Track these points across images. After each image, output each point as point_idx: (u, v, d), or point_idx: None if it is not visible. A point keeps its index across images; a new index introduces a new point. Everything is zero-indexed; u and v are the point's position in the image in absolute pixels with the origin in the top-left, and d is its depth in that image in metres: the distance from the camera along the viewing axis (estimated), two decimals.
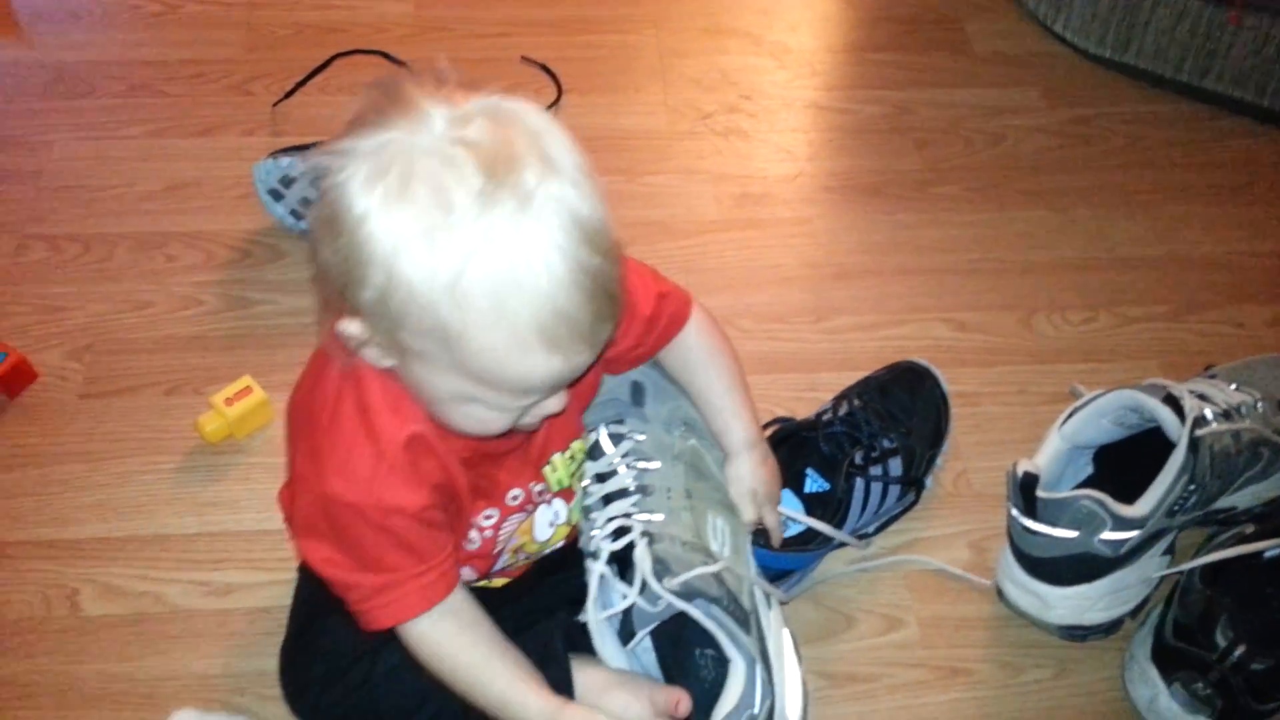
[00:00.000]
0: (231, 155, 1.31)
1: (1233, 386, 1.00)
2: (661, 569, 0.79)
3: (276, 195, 1.20)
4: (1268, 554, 0.92)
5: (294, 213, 1.21)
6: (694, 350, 0.88)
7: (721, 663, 0.81)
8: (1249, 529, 0.96)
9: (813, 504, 0.98)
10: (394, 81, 0.61)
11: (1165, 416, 0.91)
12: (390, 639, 0.77)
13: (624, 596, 0.80)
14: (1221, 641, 0.86)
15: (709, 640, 0.82)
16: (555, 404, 0.69)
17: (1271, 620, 0.88)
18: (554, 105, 1.39)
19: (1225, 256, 1.29)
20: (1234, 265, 1.28)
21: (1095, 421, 0.96)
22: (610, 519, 0.84)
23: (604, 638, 0.81)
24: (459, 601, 0.77)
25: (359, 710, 0.83)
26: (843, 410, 1.02)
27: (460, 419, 0.68)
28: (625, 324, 0.71)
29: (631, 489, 0.84)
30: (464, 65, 1.42)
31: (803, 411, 1.05)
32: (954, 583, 1.00)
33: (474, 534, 0.79)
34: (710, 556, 0.82)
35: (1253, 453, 0.95)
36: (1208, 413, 0.92)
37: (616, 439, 0.87)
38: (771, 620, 0.86)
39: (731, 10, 1.57)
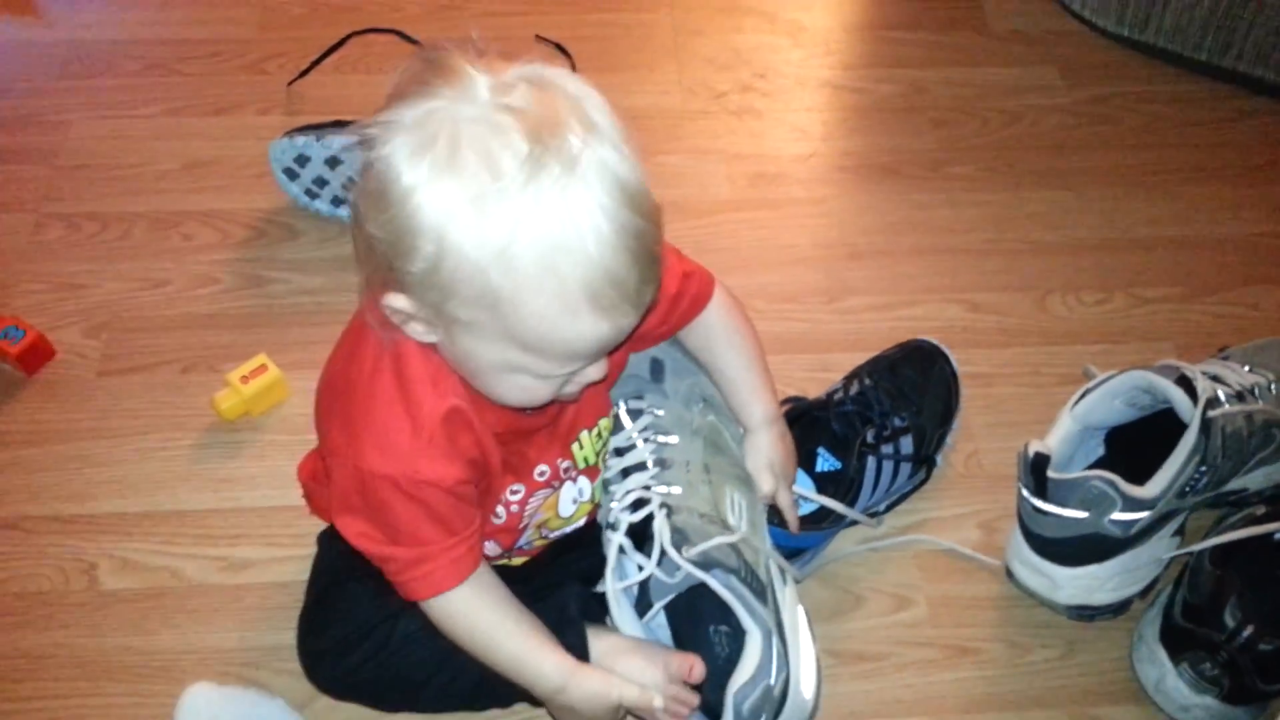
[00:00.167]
0: (247, 134, 1.32)
1: (1246, 368, 0.99)
2: (680, 539, 0.80)
3: (291, 174, 1.21)
4: (1278, 535, 0.92)
5: (308, 191, 1.22)
6: (715, 328, 0.89)
7: (735, 639, 0.82)
8: (1260, 510, 0.95)
9: (824, 483, 0.98)
10: (437, 52, 0.61)
11: (1178, 398, 0.91)
12: (406, 606, 0.78)
13: (641, 568, 0.80)
14: (1230, 622, 0.86)
15: (723, 617, 0.82)
16: (597, 371, 0.69)
17: None
18: None
19: (1242, 237, 1.28)
20: (1251, 246, 1.27)
21: (1107, 402, 0.95)
22: (629, 491, 0.84)
23: (621, 608, 0.82)
24: (482, 571, 0.77)
25: (375, 677, 0.84)
26: (854, 389, 1.02)
27: (506, 389, 0.68)
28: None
29: (650, 463, 0.85)
30: (479, 44, 1.42)
31: (815, 391, 1.05)
32: (963, 563, 1.01)
33: (500, 509, 0.80)
34: (728, 528, 0.83)
35: (1265, 434, 0.95)
36: (1220, 394, 0.92)
37: (635, 414, 0.88)
38: (786, 596, 0.86)
39: None
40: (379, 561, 0.75)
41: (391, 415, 0.69)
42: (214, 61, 1.42)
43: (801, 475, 0.98)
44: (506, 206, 0.58)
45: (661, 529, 0.81)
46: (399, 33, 1.44)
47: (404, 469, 0.69)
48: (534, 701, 0.83)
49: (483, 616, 0.77)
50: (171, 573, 0.98)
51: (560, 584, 0.87)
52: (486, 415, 0.72)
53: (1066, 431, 0.95)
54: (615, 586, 0.82)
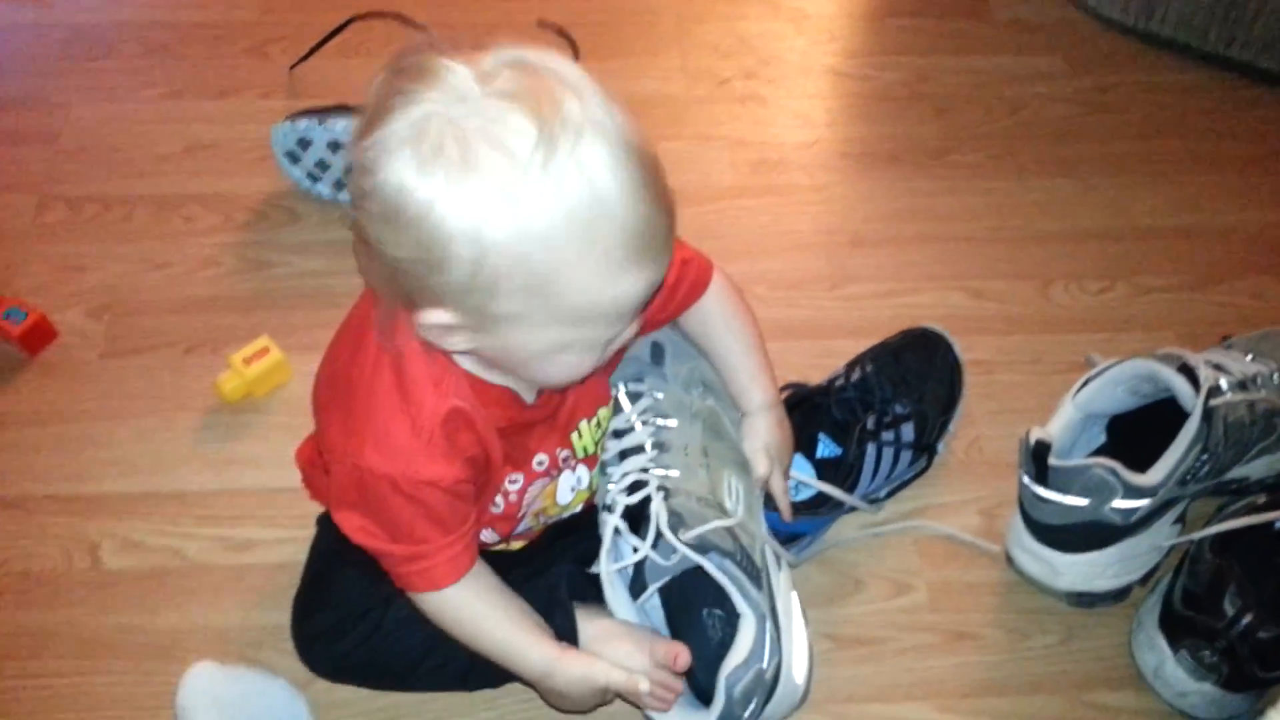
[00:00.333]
0: (249, 118, 1.32)
1: (1249, 357, 0.99)
2: (676, 522, 0.80)
3: (293, 158, 1.21)
4: (1278, 524, 0.92)
5: (310, 175, 1.22)
6: (714, 314, 0.89)
7: (729, 622, 0.82)
8: (1261, 499, 0.96)
9: (824, 469, 0.99)
10: (406, 59, 0.60)
11: (1180, 386, 0.91)
12: (398, 592, 0.78)
13: (635, 550, 0.81)
14: (1229, 610, 0.86)
15: (717, 600, 0.83)
16: (632, 330, 0.69)
17: None
18: None
19: (1246, 227, 1.28)
20: (1254, 236, 1.27)
21: (1109, 390, 0.95)
22: (626, 474, 0.84)
23: (615, 590, 0.83)
24: (476, 567, 0.78)
25: (368, 661, 0.85)
26: (855, 376, 1.02)
27: (555, 370, 0.68)
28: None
29: (649, 445, 0.85)
30: (481, 29, 1.42)
31: (817, 378, 1.05)
32: (963, 549, 1.01)
33: (499, 498, 0.80)
34: (725, 513, 0.83)
35: (1267, 423, 0.95)
36: (1223, 383, 0.92)
37: (635, 396, 0.88)
38: (781, 581, 0.86)
39: None
40: (377, 555, 0.75)
41: (392, 416, 0.69)
42: (216, 44, 1.41)
43: (802, 460, 0.98)
44: (534, 190, 0.57)
45: (659, 511, 0.81)
46: (401, 16, 1.43)
47: (403, 469, 0.69)
48: (525, 681, 0.84)
49: (473, 608, 0.78)
50: (174, 553, 0.98)
51: (555, 564, 0.88)
52: (491, 411, 0.72)
53: (1068, 419, 0.95)
54: (610, 568, 0.83)
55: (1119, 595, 0.95)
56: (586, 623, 0.82)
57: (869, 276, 1.21)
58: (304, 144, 1.19)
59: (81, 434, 1.05)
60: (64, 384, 1.09)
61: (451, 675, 0.86)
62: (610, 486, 0.85)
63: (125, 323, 1.13)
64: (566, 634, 0.81)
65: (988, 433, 1.08)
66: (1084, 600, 0.95)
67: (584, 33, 1.43)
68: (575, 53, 1.40)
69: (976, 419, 1.09)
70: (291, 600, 0.89)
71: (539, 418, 0.78)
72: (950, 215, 1.28)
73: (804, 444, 0.98)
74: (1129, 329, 1.18)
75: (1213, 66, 1.43)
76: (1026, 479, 0.91)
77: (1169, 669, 0.89)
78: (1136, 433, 0.97)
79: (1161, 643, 0.90)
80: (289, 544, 0.98)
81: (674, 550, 0.79)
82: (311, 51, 1.38)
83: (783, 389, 1.02)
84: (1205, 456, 0.91)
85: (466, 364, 0.71)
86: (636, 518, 0.82)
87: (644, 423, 0.86)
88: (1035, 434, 0.91)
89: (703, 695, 0.82)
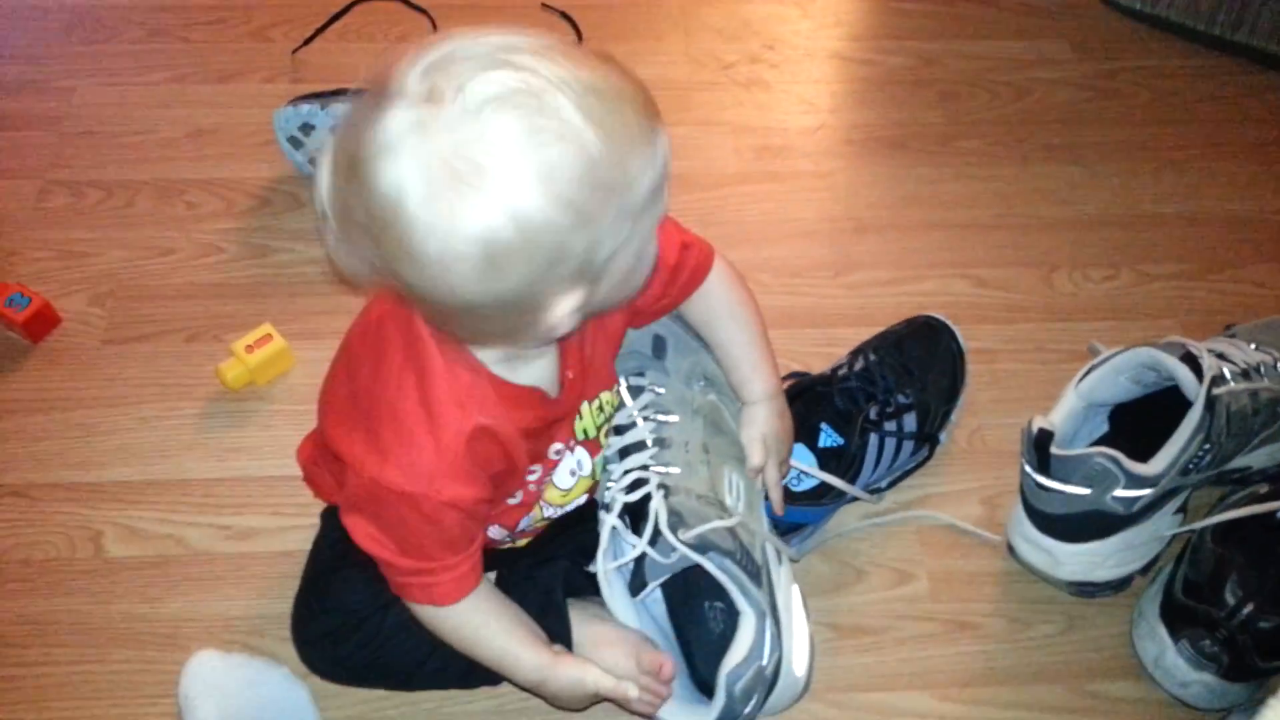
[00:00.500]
0: (251, 102, 1.31)
1: (1252, 346, 0.99)
2: (676, 521, 0.80)
3: (296, 143, 1.20)
4: None
5: (313, 160, 1.21)
6: (717, 302, 0.88)
7: (730, 615, 0.82)
8: (1263, 489, 0.95)
9: (826, 458, 0.98)
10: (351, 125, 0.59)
11: (1183, 375, 0.90)
12: (398, 597, 0.79)
13: (633, 546, 0.81)
14: (1230, 599, 0.86)
15: (718, 593, 0.83)
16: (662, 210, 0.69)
17: None
18: None
19: (1252, 215, 1.27)
20: (1260, 223, 1.26)
21: (1112, 379, 0.95)
22: (627, 471, 0.84)
23: (613, 589, 0.83)
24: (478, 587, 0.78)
25: (368, 663, 0.86)
26: (858, 365, 1.02)
27: (643, 270, 0.68)
28: (651, 273, 0.71)
29: (649, 442, 0.85)
30: (483, 13, 1.41)
31: (820, 366, 1.05)
32: (965, 538, 1.01)
33: (519, 491, 0.81)
34: (725, 511, 0.83)
35: (1270, 413, 0.94)
36: (1226, 372, 0.92)
37: (636, 391, 0.87)
38: (782, 576, 0.86)
39: None
40: (380, 564, 0.76)
41: (416, 435, 0.69)
42: (218, 28, 1.41)
43: (804, 450, 0.98)
44: (569, 127, 0.56)
45: (658, 509, 0.81)
46: (404, 0, 1.43)
47: (424, 489, 0.69)
48: (521, 686, 0.84)
49: (470, 621, 0.78)
50: (176, 540, 0.98)
51: (554, 558, 0.88)
52: (519, 414, 0.72)
53: (1071, 408, 0.95)
54: (607, 567, 0.83)
55: (1120, 585, 0.95)
56: (580, 626, 0.83)
57: (873, 264, 1.21)
58: (306, 129, 1.19)
59: (84, 421, 1.05)
60: (67, 371, 1.09)
61: (453, 676, 0.86)
62: (610, 484, 0.85)
63: (128, 309, 1.13)
64: (560, 636, 0.82)
65: (990, 422, 1.08)
66: (1085, 590, 0.95)
67: (587, 16, 1.42)
68: (578, 36, 1.39)
69: (979, 408, 1.09)
70: (294, 588, 0.90)
71: (564, 413, 0.78)
72: (955, 202, 1.27)
73: (806, 434, 0.98)
74: (1133, 317, 1.17)
75: (1220, 51, 1.42)
76: (1028, 468, 0.91)
77: (1169, 658, 0.89)
78: (1139, 422, 0.96)
79: (1162, 632, 0.90)
80: (291, 532, 0.98)
81: (673, 549, 0.79)
82: (314, 35, 1.38)
83: (785, 378, 1.02)
84: (1208, 446, 0.90)
85: (497, 369, 0.71)
86: (637, 514, 0.82)
87: (645, 418, 0.86)
88: (1037, 423, 0.91)
89: (704, 687, 0.82)
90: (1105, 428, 1.00)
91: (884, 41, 1.45)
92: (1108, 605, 0.97)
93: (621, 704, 0.81)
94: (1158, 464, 0.89)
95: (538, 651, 0.79)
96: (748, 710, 0.80)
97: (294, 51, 1.37)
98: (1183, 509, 0.96)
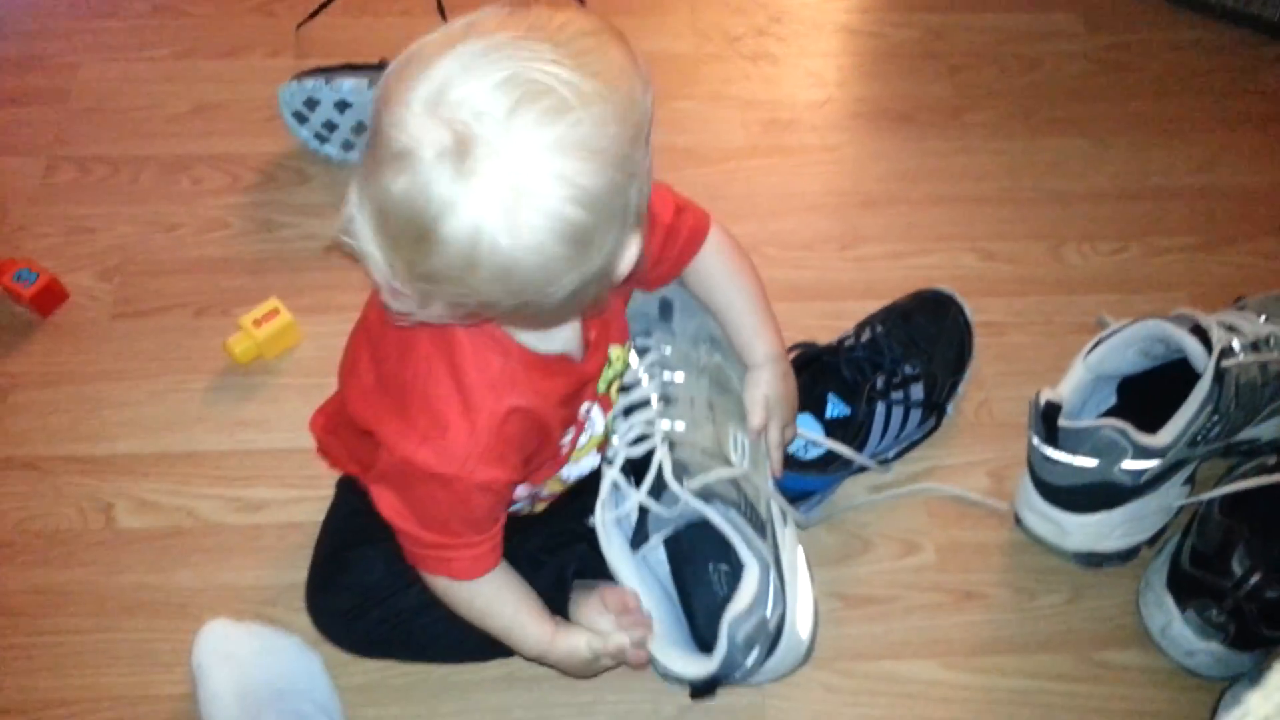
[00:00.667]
0: (256, 77, 1.31)
1: (1262, 318, 0.99)
2: (680, 471, 0.80)
3: (301, 118, 1.20)
4: None
5: (318, 135, 1.21)
6: (716, 266, 0.88)
7: (734, 577, 0.83)
8: (1271, 460, 0.95)
9: (833, 428, 0.99)
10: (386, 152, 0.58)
11: (1192, 347, 0.90)
12: (418, 576, 0.80)
13: (631, 499, 0.81)
14: (1238, 569, 0.86)
15: (723, 555, 0.83)
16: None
17: None
18: None
19: (1262, 187, 1.27)
20: (1270, 196, 1.26)
21: (1121, 351, 0.95)
22: (632, 427, 0.85)
23: (610, 541, 0.83)
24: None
25: (387, 638, 0.87)
26: (865, 336, 1.02)
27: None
28: (649, 233, 0.71)
29: (655, 399, 0.85)
30: None
31: (827, 339, 1.05)
32: (972, 509, 1.01)
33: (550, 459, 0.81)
34: (729, 465, 0.83)
35: (1279, 385, 0.94)
36: (1235, 344, 0.91)
37: (643, 351, 0.88)
38: (787, 536, 0.87)
39: None
40: (401, 536, 0.76)
41: (449, 420, 0.70)
42: (223, 3, 1.40)
43: (811, 420, 0.98)
44: (604, 96, 0.57)
45: (663, 459, 0.81)
46: None
47: (457, 471, 0.70)
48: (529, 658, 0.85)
49: (483, 595, 0.79)
50: (187, 512, 0.99)
51: (574, 532, 0.88)
52: (551, 384, 0.72)
53: (1079, 380, 0.95)
54: (605, 518, 0.83)
55: (1127, 555, 0.96)
56: (572, 599, 0.84)
57: (880, 237, 1.21)
58: (311, 104, 1.19)
59: (94, 395, 1.06)
60: (75, 345, 1.09)
61: (470, 649, 0.87)
62: (614, 439, 0.85)
63: (135, 284, 1.13)
64: (562, 612, 0.84)
65: (998, 394, 1.08)
66: (1092, 560, 0.96)
67: None
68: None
69: (987, 380, 1.09)
70: (306, 558, 0.90)
71: (593, 373, 0.78)
72: (963, 175, 1.27)
73: (813, 403, 0.98)
74: (1142, 290, 1.17)
75: (1231, 23, 1.41)
76: (1036, 440, 0.91)
77: (1176, 628, 0.90)
78: (1147, 394, 0.96)
79: (1169, 602, 0.90)
80: (301, 503, 0.99)
81: (677, 500, 0.80)
82: (319, 10, 1.37)
83: (791, 348, 1.01)
84: (1216, 418, 0.90)
85: (527, 340, 0.71)
86: (642, 470, 0.83)
87: (651, 376, 0.86)
88: (1045, 395, 0.91)
89: (706, 649, 0.83)
90: (1113, 400, 1.00)
91: (892, 14, 1.44)
92: (1114, 575, 0.97)
93: (624, 660, 0.82)
94: (1166, 436, 0.89)
95: (541, 624, 0.80)
96: (749, 661, 0.80)
97: (298, 26, 1.37)
98: (1190, 480, 0.96)
